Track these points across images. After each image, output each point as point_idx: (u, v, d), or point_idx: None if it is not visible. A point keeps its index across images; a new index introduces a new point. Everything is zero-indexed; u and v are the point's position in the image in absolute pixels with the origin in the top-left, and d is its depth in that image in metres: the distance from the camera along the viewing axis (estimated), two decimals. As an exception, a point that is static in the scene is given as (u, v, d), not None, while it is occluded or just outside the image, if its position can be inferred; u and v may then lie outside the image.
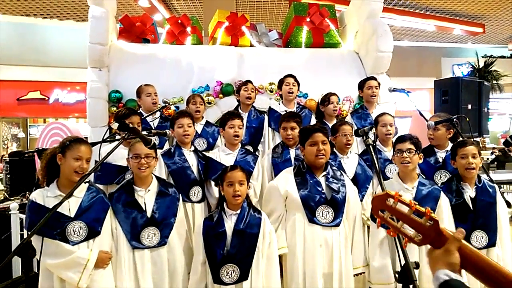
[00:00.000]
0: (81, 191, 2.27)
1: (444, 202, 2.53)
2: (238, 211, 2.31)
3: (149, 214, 2.36)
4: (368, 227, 2.67)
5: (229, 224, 2.29)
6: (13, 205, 3.66)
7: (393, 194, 1.02)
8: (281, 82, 3.79)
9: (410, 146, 2.55)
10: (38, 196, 2.20)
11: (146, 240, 2.33)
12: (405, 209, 1.00)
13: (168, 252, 2.39)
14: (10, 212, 3.62)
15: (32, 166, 4.40)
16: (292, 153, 3.11)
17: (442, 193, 2.57)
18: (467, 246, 0.94)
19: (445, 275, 0.88)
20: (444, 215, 2.50)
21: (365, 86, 3.82)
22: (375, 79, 3.86)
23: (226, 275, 2.22)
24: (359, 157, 3.10)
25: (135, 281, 2.31)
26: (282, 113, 3.49)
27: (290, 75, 3.76)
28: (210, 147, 3.45)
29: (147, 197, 2.40)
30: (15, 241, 3.52)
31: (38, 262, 2.21)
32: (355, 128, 3.10)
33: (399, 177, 2.61)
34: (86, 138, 3.71)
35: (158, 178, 2.55)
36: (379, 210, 1.02)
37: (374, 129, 2.97)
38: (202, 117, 3.63)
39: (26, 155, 3.81)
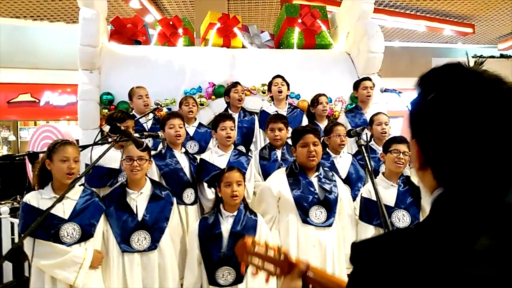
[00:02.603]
0: (76, 193, 2.26)
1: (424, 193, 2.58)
2: (235, 213, 2.30)
3: (140, 217, 2.34)
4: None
5: (226, 226, 2.27)
6: (4, 209, 3.62)
7: (248, 241, 1.14)
8: (270, 84, 3.81)
9: (406, 149, 2.56)
10: (32, 198, 2.19)
11: (136, 244, 2.30)
12: (261, 249, 1.12)
13: (158, 256, 2.36)
14: (0, 216, 3.58)
15: (23, 169, 4.36)
16: (279, 153, 3.11)
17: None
18: (315, 270, 1.07)
19: None
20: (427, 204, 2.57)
21: (360, 86, 3.84)
22: (370, 79, 3.88)
23: (222, 277, 2.21)
24: (353, 157, 3.11)
25: (124, 285, 2.28)
26: (272, 113, 3.50)
27: (278, 76, 3.78)
28: (202, 150, 3.43)
29: (139, 200, 2.38)
30: (6, 246, 3.48)
31: (29, 266, 2.18)
32: (349, 127, 3.11)
33: (384, 176, 2.63)
34: (77, 140, 3.70)
35: (152, 181, 2.53)
36: (243, 255, 1.14)
37: (367, 129, 2.98)
38: (195, 119, 3.63)
39: (17, 158, 3.77)
